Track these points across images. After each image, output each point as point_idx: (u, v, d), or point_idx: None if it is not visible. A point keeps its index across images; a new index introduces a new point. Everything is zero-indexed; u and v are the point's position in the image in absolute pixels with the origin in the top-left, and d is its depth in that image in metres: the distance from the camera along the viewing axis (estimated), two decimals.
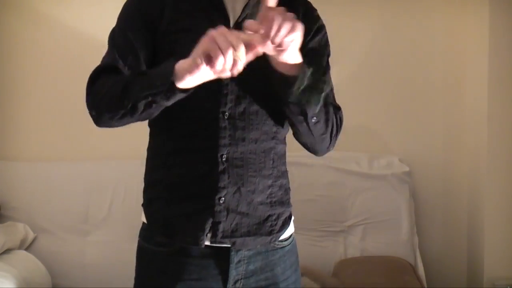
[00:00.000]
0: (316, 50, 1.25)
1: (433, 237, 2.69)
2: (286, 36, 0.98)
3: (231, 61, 0.97)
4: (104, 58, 1.24)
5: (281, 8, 1.00)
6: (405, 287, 2.15)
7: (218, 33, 0.97)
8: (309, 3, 1.31)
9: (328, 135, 1.21)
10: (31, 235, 2.44)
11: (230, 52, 0.96)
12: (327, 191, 2.51)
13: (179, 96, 1.07)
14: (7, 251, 2.29)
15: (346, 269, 2.30)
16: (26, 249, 2.41)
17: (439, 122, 2.70)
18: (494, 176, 2.48)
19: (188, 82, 1.03)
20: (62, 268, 2.40)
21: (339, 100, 1.28)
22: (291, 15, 0.99)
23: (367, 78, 2.68)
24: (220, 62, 0.97)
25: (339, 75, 2.61)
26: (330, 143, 1.24)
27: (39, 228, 2.47)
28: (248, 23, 1.00)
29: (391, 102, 2.69)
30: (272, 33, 0.98)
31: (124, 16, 1.24)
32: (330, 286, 2.15)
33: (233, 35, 0.98)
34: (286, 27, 0.98)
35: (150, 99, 1.07)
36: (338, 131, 1.24)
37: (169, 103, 1.08)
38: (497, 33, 2.43)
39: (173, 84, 1.04)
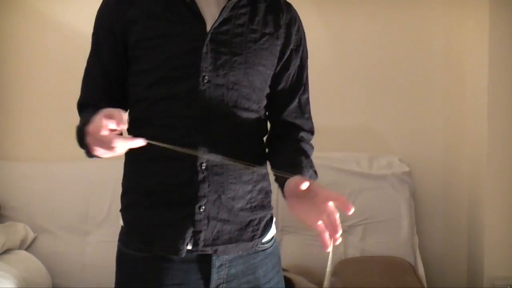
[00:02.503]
0: (301, 65, 1.30)
1: (433, 237, 2.69)
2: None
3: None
4: (82, 84, 1.29)
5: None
6: (405, 287, 2.15)
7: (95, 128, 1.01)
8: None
9: None
10: (31, 235, 2.43)
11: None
12: None
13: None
14: (7, 251, 2.30)
15: (346, 269, 2.30)
16: (26, 249, 2.41)
17: (439, 122, 2.70)
18: (494, 176, 2.48)
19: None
20: (62, 268, 2.40)
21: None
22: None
23: (367, 78, 2.68)
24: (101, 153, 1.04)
25: (339, 75, 2.63)
26: None
27: (39, 228, 2.47)
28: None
29: (391, 102, 2.69)
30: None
31: (96, 34, 1.28)
32: (330, 286, 2.15)
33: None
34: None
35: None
36: None
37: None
38: (497, 33, 2.43)
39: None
